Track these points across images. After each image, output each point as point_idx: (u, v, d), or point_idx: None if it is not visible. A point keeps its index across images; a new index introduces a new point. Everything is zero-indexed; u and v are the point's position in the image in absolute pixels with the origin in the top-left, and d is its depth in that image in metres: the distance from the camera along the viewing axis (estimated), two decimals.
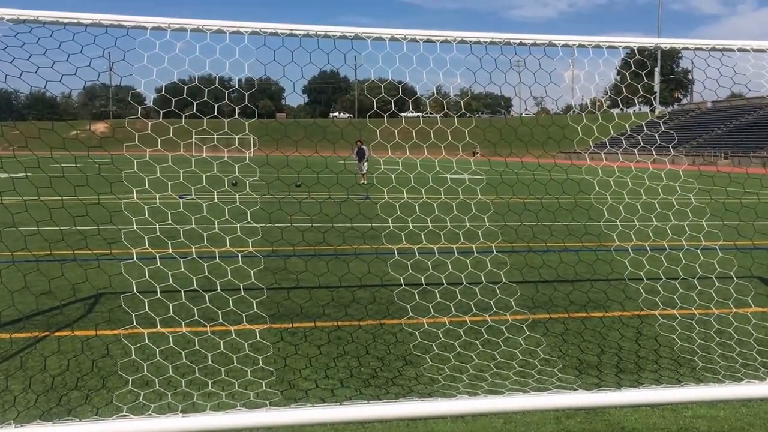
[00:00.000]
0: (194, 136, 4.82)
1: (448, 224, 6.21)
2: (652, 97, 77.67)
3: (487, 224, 6.86)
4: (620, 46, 4.23)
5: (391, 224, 6.15)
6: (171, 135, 4.56)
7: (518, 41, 3.89)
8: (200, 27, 3.56)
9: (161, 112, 4.08)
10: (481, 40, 3.84)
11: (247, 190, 15.46)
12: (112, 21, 3.49)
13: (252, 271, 5.07)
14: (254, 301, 4.89)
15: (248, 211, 8.54)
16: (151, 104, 4.33)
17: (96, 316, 5.68)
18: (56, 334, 5.14)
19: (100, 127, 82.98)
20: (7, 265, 7.17)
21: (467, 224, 6.31)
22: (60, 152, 4.46)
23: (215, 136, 5.23)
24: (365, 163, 23.49)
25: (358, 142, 23.92)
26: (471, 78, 4.44)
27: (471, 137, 5.34)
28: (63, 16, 3.47)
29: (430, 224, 5.91)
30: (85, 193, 5.39)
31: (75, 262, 7.26)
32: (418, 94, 5.18)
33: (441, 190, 5.99)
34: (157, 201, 5.08)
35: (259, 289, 5.83)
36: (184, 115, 4.08)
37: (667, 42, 4.30)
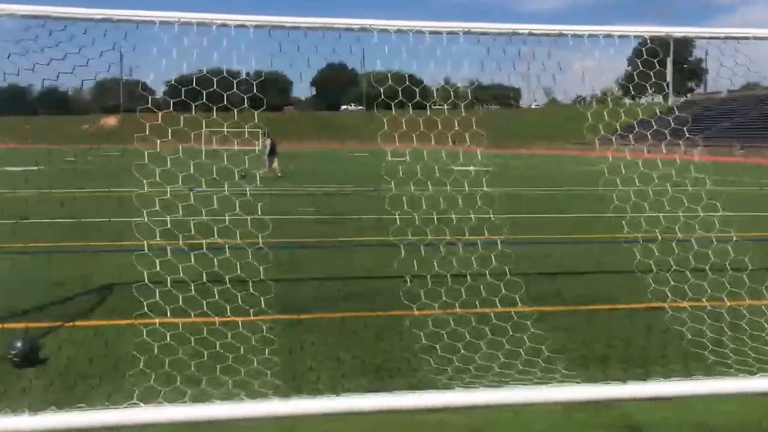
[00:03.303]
0: (204, 128, 4.85)
1: (454, 217, 6.20)
2: (665, 84, 76.58)
3: (491, 217, 6.83)
4: (632, 35, 4.17)
5: (397, 217, 6.15)
6: (181, 126, 4.58)
7: (526, 31, 3.85)
8: (206, 20, 3.58)
9: (171, 102, 4.11)
10: (489, 30, 3.81)
11: (257, 183, 15.51)
12: (121, 16, 3.54)
13: (260, 266, 5.09)
14: (261, 293, 4.92)
15: (258, 204, 8.58)
16: (161, 95, 4.36)
17: (107, 306, 5.76)
18: (68, 323, 5.22)
19: (110, 120, 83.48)
20: (21, 256, 7.28)
21: (472, 216, 6.28)
22: (72, 145, 4.51)
23: (225, 129, 5.26)
24: (271, 158, 21.75)
25: (266, 135, 22.15)
26: (479, 69, 4.41)
27: (479, 128, 5.32)
28: (74, 12, 3.51)
29: (435, 217, 5.90)
30: (97, 185, 5.44)
31: (86, 253, 7.35)
32: (425, 83, 5.15)
33: (447, 182, 5.97)
34: (168, 193, 5.12)
35: (266, 280, 5.86)
36: (194, 104, 4.10)
37: (679, 31, 4.22)
